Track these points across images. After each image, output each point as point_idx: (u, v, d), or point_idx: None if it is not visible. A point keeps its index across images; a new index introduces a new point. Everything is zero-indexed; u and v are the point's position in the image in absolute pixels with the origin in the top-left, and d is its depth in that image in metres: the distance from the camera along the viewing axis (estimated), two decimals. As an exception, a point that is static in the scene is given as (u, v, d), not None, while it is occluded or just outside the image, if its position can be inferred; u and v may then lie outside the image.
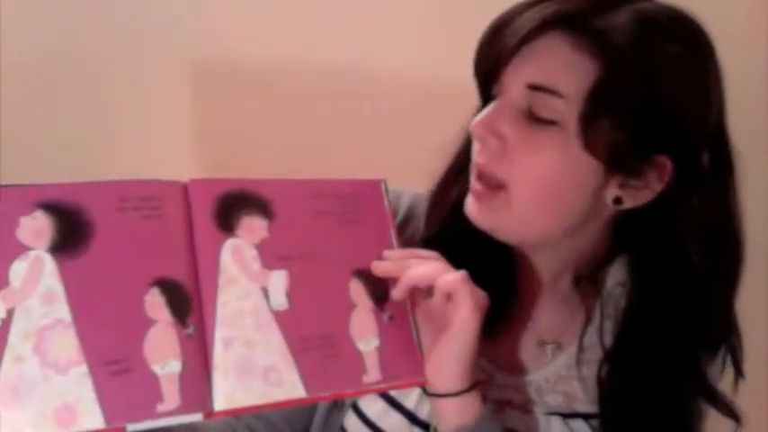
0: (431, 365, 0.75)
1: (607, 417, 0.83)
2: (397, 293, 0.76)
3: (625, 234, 0.83)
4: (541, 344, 0.87)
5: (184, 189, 0.72)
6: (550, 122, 0.74)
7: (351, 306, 0.75)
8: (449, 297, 0.74)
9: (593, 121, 0.73)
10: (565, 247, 0.84)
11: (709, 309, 0.82)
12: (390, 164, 1.09)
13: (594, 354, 0.85)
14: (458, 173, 0.85)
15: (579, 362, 0.86)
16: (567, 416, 0.85)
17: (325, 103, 1.26)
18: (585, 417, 0.86)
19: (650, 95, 0.74)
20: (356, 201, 0.79)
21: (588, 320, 0.86)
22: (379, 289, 0.76)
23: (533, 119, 0.75)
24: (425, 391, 0.78)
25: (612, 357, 0.83)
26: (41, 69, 1.25)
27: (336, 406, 0.89)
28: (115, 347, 0.64)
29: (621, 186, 0.78)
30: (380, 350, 0.74)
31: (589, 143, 0.74)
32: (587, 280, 0.86)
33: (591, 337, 0.86)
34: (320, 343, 0.72)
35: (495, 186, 0.77)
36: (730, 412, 0.84)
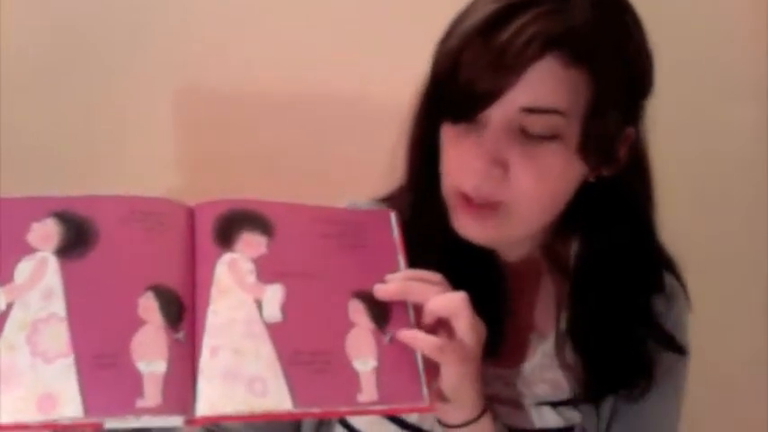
0: (443, 397, 0.74)
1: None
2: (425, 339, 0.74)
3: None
4: (524, 334, 0.87)
5: (191, 212, 0.75)
6: (548, 138, 0.75)
7: (349, 325, 0.74)
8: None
9: (595, 127, 0.75)
10: (539, 234, 0.86)
11: (645, 242, 0.87)
12: (375, 189, 1.08)
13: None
14: (425, 192, 0.85)
15: (559, 349, 0.87)
16: (556, 404, 0.86)
17: (307, 130, 1.27)
18: (574, 402, 0.86)
19: (631, 79, 0.77)
20: (362, 228, 0.79)
21: (561, 308, 0.88)
22: (381, 311, 0.75)
23: (529, 136, 0.75)
24: (440, 423, 0.77)
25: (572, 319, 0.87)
26: (21, 95, 1.24)
27: (324, 420, 0.89)
28: (103, 342, 0.66)
29: (600, 169, 0.81)
30: (378, 371, 0.72)
31: (586, 151, 0.76)
32: (552, 252, 0.89)
33: (566, 323, 0.87)
34: (313, 358, 0.71)
35: (492, 204, 0.77)
36: (674, 346, 0.87)
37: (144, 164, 1.27)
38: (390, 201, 0.91)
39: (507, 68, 0.72)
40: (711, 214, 1.16)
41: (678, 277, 0.91)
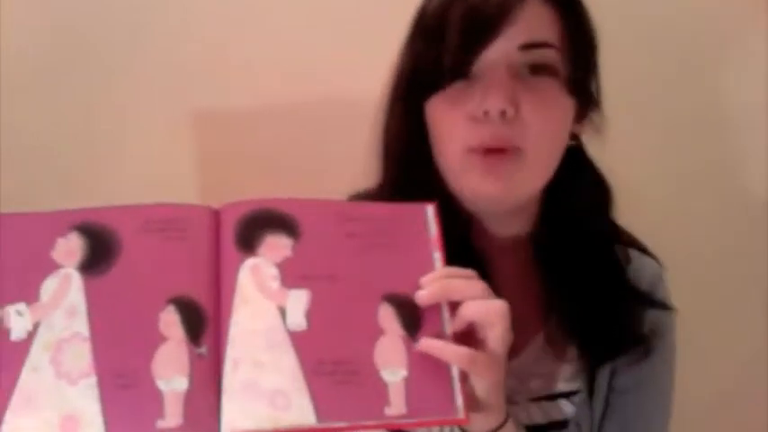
0: (474, 407, 0.72)
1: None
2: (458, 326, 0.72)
3: None
4: (517, 327, 0.87)
5: (215, 214, 0.72)
6: (547, 74, 0.80)
7: (378, 332, 0.70)
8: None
9: (576, 63, 0.82)
10: (525, 211, 0.88)
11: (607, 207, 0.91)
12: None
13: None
14: (409, 183, 0.87)
15: (550, 341, 0.88)
16: (550, 398, 0.87)
17: (308, 130, 1.27)
18: (567, 395, 0.87)
19: (589, 27, 0.85)
20: (394, 224, 0.75)
21: (549, 301, 0.89)
22: (413, 316, 0.71)
23: (528, 74, 0.79)
24: (463, 430, 0.75)
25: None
26: (21, 95, 1.23)
27: None
28: (125, 362, 0.66)
29: (580, 123, 0.87)
30: (408, 382, 0.68)
31: (574, 84, 0.82)
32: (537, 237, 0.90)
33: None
34: (339, 368, 0.68)
35: (512, 151, 0.79)
36: (656, 304, 0.90)
37: (144, 164, 1.26)
38: (367, 197, 0.92)
39: (499, 9, 0.77)
40: (711, 214, 1.18)
41: (652, 255, 0.94)
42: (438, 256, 0.74)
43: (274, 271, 0.70)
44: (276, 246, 0.71)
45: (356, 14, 1.24)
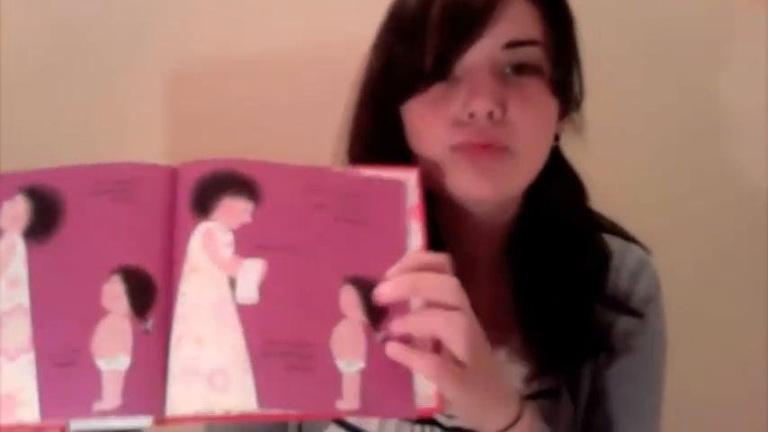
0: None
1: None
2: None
3: None
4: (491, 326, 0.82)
5: (173, 173, 0.67)
6: (531, 73, 0.78)
7: (338, 316, 0.64)
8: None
9: (558, 61, 0.80)
10: (506, 208, 0.86)
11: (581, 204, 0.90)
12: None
13: None
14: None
15: (525, 341, 0.86)
16: (530, 397, 0.84)
17: (310, 130, 1.25)
18: (548, 393, 0.85)
19: (570, 26, 0.83)
20: (367, 198, 0.68)
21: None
22: (378, 303, 0.65)
23: (513, 74, 0.77)
24: None
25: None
26: (21, 95, 1.24)
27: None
28: (65, 338, 0.61)
29: (560, 122, 0.85)
30: (365, 375, 0.63)
31: (557, 84, 0.79)
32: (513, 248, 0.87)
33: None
34: (290, 350, 0.62)
35: (501, 151, 0.76)
36: (627, 309, 0.87)
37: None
38: None
39: (483, 5, 0.75)
40: (711, 214, 1.17)
41: (637, 242, 0.91)
42: (417, 226, 0.68)
43: (229, 237, 0.64)
44: (234, 209, 0.65)
45: (358, 14, 1.24)
